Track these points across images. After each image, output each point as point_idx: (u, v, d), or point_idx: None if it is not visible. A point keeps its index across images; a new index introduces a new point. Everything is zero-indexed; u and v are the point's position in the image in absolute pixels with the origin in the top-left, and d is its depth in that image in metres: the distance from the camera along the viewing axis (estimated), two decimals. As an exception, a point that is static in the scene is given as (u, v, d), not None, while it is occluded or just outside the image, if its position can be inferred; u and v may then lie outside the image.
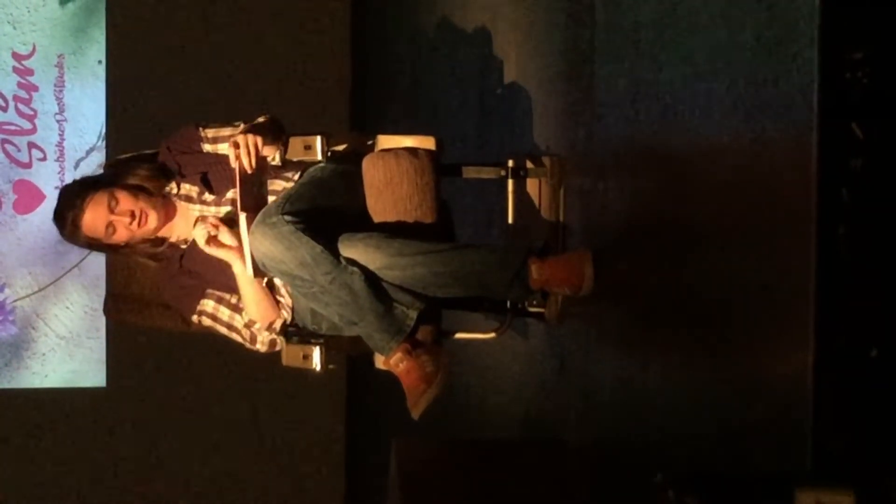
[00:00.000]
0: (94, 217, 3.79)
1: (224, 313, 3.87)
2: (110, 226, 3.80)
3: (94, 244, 3.88)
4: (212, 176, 3.84)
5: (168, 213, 3.87)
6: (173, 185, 3.88)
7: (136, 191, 3.82)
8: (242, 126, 3.77)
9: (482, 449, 4.19)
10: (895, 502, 2.30)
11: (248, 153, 3.59)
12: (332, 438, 7.51)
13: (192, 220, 3.87)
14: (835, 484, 2.27)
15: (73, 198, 3.83)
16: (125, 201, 3.79)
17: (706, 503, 2.33)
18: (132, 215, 3.79)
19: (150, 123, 6.71)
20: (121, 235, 3.81)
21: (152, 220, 3.81)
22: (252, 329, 3.85)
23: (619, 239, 3.63)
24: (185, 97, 7.04)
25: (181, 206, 3.89)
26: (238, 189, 3.63)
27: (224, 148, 3.80)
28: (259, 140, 3.63)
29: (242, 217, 3.60)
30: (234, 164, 3.61)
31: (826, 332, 2.52)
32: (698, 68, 3.05)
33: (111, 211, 3.79)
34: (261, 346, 3.88)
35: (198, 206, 3.87)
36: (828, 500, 2.23)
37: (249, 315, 3.83)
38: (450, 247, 3.66)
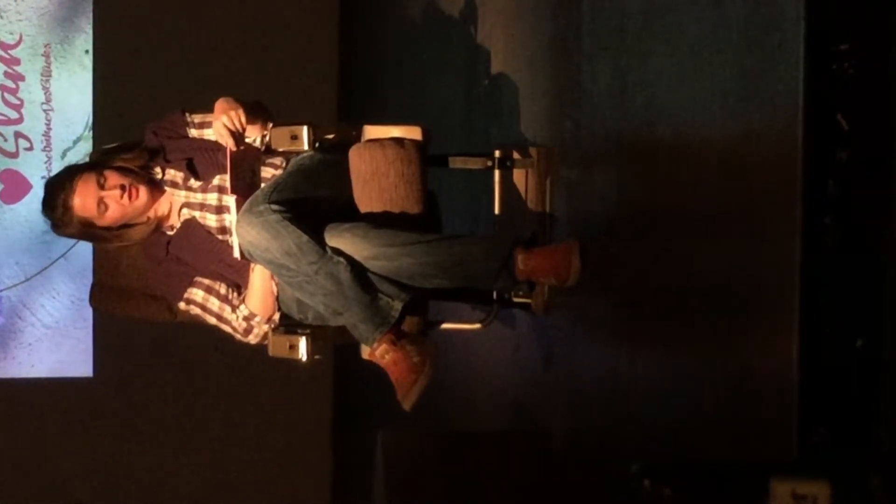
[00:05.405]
0: (84, 195, 3.79)
1: (214, 304, 3.86)
2: (101, 203, 3.79)
3: (85, 229, 3.85)
4: (197, 162, 3.84)
5: (155, 194, 3.86)
6: (158, 169, 3.88)
7: (123, 171, 3.83)
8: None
9: (468, 440, 4.19)
10: (872, 494, 2.30)
11: (233, 125, 3.61)
12: (319, 429, 7.51)
13: (178, 206, 3.87)
14: (811, 475, 2.27)
15: (62, 181, 3.83)
16: (113, 178, 3.80)
17: (681, 492, 2.33)
18: (122, 188, 3.78)
19: (137, 113, 6.65)
20: (113, 212, 3.80)
21: (143, 194, 3.81)
22: (251, 322, 3.84)
23: (605, 230, 3.63)
24: (172, 87, 7.01)
25: (167, 191, 3.89)
26: (229, 172, 3.63)
27: (210, 133, 3.80)
28: (241, 112, 3.63)
29: (232, 200, 3.60)
30: (224, 141, 3.62)
31: (811, 323, 2.52)
32: (684, 59, 3.05)
33: (101, 187, 3.79)
34: (253, 339, 3.87)
35: (183, 192, 3.86)
36: (803, 491, 2.23)
37: (251, 307, 3.82)
38: (436, 238, 3.66)
